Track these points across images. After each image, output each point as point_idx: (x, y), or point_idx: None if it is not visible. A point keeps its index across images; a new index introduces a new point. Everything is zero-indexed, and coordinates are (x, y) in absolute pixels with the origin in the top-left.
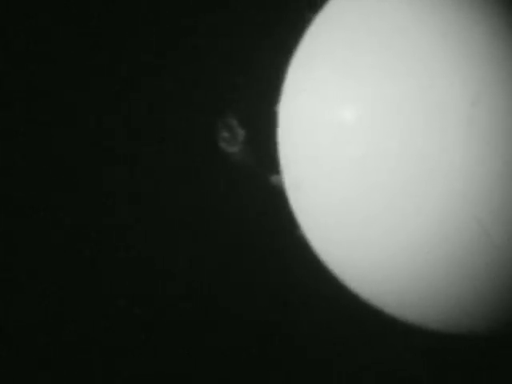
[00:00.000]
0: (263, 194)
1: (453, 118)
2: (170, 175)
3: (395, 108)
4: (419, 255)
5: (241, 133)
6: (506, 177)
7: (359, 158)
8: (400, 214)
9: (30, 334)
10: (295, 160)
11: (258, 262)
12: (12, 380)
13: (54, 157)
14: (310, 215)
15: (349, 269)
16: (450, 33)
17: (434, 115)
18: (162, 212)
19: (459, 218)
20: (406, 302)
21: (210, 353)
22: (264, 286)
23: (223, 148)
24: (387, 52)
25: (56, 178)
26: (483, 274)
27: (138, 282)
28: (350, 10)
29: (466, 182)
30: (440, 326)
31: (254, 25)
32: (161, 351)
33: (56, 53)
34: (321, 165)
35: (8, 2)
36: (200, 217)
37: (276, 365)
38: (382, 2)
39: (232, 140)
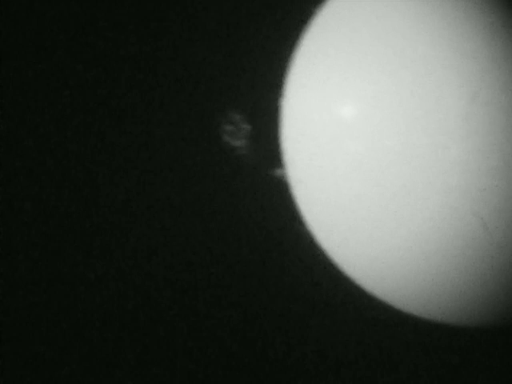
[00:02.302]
0: (267, 187)
1: (451, 114)
2: (174, 168)
3: (396, 105)
4: (420, 248)
5: (244, 127)
6: (505, 172)
7: (361, 154)
8: (401, 209)
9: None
10: (298, 155)
11: (261, 254)
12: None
13: (52, 155)
14: (313, 209)
15: (351, 262)
16: (448, 31)
17: (433, 112)
18: (165, 205)
19: (458, 213)
20: (406, 294)
21: (208, 352)
22: (267, 278)
23: (227, 142)
24: (387, 50)
25: (55, 178)
26: (483, 268)
27: (136, 280)
28: (351, 8)
29: (465, 177)
30: (439, 316)
31: (259, 21)
32: (160, 350)
33: (56, 53)
34: (324, 160)
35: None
36: (203, 210)
37: (275, 361)
38: (382, 1)
39: (236, 134)
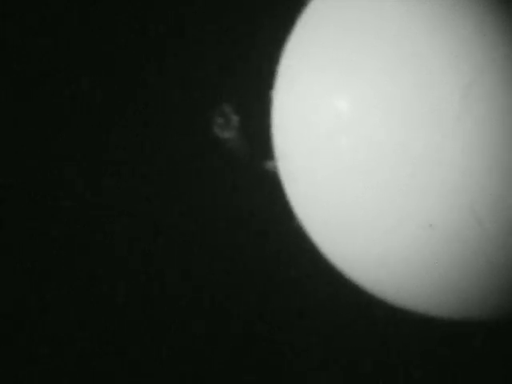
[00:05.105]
0: (257, 180)
1: (446, 110)
2: (163, 162)
3: (389, 100)
4: (416, 246)
5: (235, 119)
6: (500, 169)
7: (353, 150)
8: (395, 206)
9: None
10: (290, 151)
11: (253, 249)
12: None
13: (52, 154)
14: (305, 205)
15: (345, 259)
16: (442, 26)
17: (428, 107)
18: (154, 199)
19: (454, 211)
20: (402, 290)
21: (206, 351)
22: (257, 273)
23: (217, 134)
24: (381, 43)
25: (54, 177)
26: (479, 266)
27: (135, 280)
28: (344, 0)
29: (461, 174)
30: (438, 312)
31: (251, 11)
32: (159, 350)
33: (54, 51)
34: (315, 156)
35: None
36: (194, 203)
37: (273, 360)
38: None
39: (226, 126)
